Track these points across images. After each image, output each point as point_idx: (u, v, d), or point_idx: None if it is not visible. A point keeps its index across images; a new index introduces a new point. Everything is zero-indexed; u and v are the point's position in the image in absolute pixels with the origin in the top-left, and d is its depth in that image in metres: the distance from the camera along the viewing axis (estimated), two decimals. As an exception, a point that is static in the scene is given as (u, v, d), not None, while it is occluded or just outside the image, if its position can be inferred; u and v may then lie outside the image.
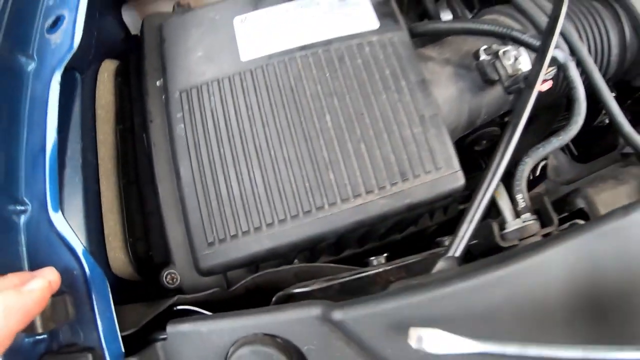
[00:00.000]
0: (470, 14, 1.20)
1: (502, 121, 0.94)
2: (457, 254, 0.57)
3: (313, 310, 0.49)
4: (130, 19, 1.02)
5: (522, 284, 0.51)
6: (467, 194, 0.83)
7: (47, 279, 0.45)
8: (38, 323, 0.45)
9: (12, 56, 0.65)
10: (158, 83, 0.79)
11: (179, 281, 0.69)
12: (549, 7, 0.85)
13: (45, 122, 0.59)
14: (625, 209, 0.58)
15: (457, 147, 0.73)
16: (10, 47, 0.65)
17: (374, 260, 0.69)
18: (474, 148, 0.99)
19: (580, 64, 0.85)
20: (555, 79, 0.88)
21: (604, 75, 0.95)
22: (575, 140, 0.82)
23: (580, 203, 0.78)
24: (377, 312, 0.48)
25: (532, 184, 0.99)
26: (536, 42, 0.78)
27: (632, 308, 0.55)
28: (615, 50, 1.00)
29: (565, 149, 1.15)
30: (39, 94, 0.62)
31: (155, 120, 0.77)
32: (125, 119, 0.86)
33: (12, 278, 0.45)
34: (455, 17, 1.24)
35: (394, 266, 0.67)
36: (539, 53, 0.73)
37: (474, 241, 0.71)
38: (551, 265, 0.54)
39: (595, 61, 0.97)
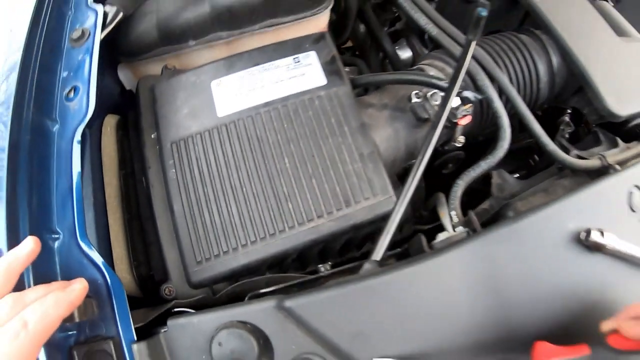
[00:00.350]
0: (427, 50, 1.34)
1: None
2: (378, 258, 0.72)
3: (271, 302, 0.65)
4: (124, 76, 1.15)
5: (425, 279, 0.69)
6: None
7: (82, 283, 0.63)
8: (75, 314, 0.63)
9: (41, 120, 0.81)
10: (153, 136, 0.94)
11: (175, 293, 0.83)
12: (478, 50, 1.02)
13: (71, 171, 0.75)
14: (515, 218, 0.76)
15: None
16: (39, 113, 0.82)
17: (321, 267, 0.85)
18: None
19: (505, 95, 0.99)
20: (482, 111, 1.04)
21: (536, 101, 1.12)
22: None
23: (510, 215, 0.93)
24: (315, 300, 0.65)
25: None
26: (442, 84, 0.94)
27: (525, 297, 0.72)
28: (544, 78, 1.11)
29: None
30: (64, 148, 0.78)
31: (152, 166, 0.92)
32: (127, 165, 1.00)
33: (55, 284, 0.63)
34: (414, 54, 1.40)
35: (336, 270, 0.83)
36: (444, 97, 0.88)
37: (398, 250, 0.89)
38: (452, 265, 0.71)
39: (525, 89, 1.10)
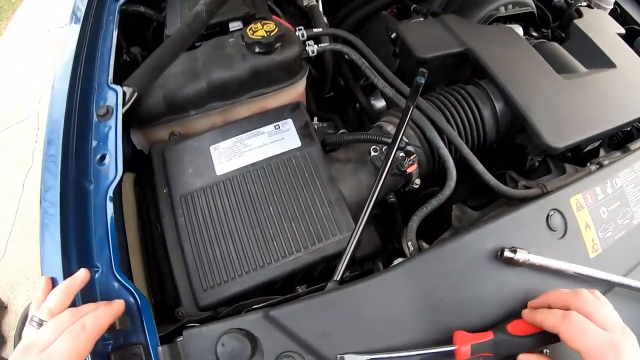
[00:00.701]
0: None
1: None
2: (337, 278, 0.94)
3: (259, 313, 0.86)
4: (136, 139, 1.33)
5: (374, 291, 0.90)
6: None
7: (121, 300, 0.86)
8: (116, 324, 0.83)
9: (81, 180, 1.01)
10: (165, 191, 1.14)
11: (185, 315, 1.00)
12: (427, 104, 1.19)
13: (106, 221, 0.95)
14: (446, 241, 0.97)
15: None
16: (79, 175, 1.02)
17: (299, 288, 1.05)
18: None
19: (450, 141, 1.15)
20: (433, 157, 1.22)
21: (484, 142, 1.27)
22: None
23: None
24: (292, 310, 0.87)
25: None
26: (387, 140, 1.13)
27: (453, 303, 0.92)
28: (489, 122, 1.27)
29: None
30: (99, 203, 0.98)
31: (165, 215, 1.11)
32: (144, 214, 1.19)
33: (101, 302, 0.85)
34: (387, 104, 1.59)
35: (309, 289, 1.03)
36: (387, 152, 1.09)
37: (357, 272, 1.11)
38: (395, 280, 0.92)
39: (472, 134, 1.26)
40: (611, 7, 1.91)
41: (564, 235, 1.02)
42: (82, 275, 0.85)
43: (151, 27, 1.62)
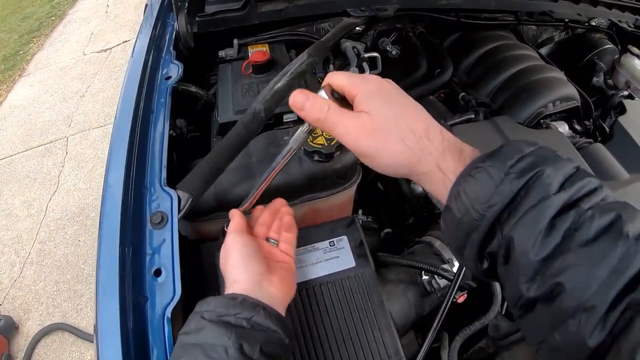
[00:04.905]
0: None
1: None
2: None
3: None
4: (183, 227, 1.32)
5: None
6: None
7: None
8: None
9: (137, 297, 1.00)
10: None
11: None
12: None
13: (165, 342, 0.95)
14: None
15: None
16: (135, 291, 1.01)
17: None
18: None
19: None
20: None
21: None
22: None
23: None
24: None
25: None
26: (448, 275, 1.16)
27: None
28: None
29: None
30: (156, 322, 0.97)
31: None
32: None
33: None
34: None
35: None
36: (449, 289, 1.11)
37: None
38: None
39: None
40: (651, 89, 1.95)
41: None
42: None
43: (199, 104, 1.63)
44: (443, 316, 1.09)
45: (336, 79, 0.78)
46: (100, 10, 7.96)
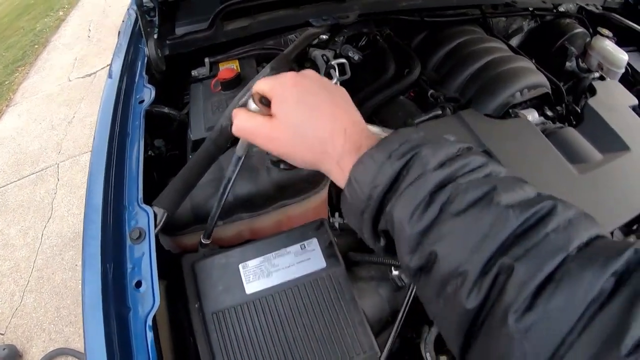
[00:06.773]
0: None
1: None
2: None
3: None
4: (164, 241, 1.39)
5: None
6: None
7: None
8: None
9: (120, 309, 1.06)
10: (196, 305, 1.19)
11: None
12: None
13: (147, 349, 1.00)
14: None
15: None
16: (119, 303, 1.07)
17: None
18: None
19: None
20: None
21: None
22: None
23: None
24: None
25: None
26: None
27: None
28: None
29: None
30: (139, 330, 1.03)
31: (197, 329, 1.16)
32: (176, 326, 1.25)
33: None
34: None
35: None
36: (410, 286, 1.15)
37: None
38: None
39: None
40: (623, 70, 2.00)
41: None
42: None
43: (174, 124, 1.69)
44: (406, 309, 1.14)
45: (259, 85, 0.84)
46: (82, 36, 8.02)
